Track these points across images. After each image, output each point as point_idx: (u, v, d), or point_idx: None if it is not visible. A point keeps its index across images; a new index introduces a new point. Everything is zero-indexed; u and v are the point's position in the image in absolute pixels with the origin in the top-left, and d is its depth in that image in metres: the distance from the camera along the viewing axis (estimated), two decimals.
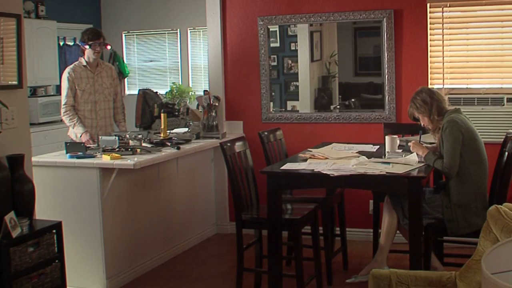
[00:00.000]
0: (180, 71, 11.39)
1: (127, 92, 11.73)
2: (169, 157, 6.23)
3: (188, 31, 11.23)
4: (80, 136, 6.50)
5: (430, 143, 5.45)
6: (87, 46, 6.66)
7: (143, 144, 6.21)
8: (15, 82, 4.61)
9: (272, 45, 7.39)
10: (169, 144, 6.36)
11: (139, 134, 6.43)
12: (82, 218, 5.68)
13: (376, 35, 6.93)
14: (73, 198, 5.71)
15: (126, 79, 11.76)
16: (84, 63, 6.72)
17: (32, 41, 9.33)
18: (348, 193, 6.52)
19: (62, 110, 6.62)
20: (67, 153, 5.87)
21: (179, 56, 11.36)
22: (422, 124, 5.37)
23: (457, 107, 5.39)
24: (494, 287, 2.21)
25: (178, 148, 6.26)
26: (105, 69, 6.90)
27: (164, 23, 11.34)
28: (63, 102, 6.62)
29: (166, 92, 8.71)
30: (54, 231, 4.51)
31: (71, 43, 10.84)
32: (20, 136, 4.68)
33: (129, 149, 5.92)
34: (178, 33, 11.33)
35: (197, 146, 6.67)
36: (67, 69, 6.69)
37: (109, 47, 7.02)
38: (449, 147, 4.98)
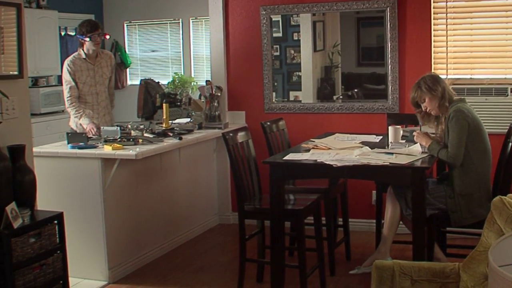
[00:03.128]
0: (182, 61, 11.37)
1: (129, 82, 11.72)
2: (171, 148, 6.21)
3: (190, 21, 11.20)
4: (86, 127, 6.44)
5: (433, 134, 5.41)
6: (87, 39, 6.59)
7: (145, 135, 6.20)
8: (15, 72, 4.59)
9: (274, 35, 7.36)
10: (171, 134, 6.34)
11: (141, 125, 6.43)
12: (83, 208, 5.67)
13: (379, 25, 6.90)
14: (75, 188, 5.70)
15: (128, 69, 11.74)
16: (84, 56, 6.67)
17: (33, 31, 9.30)
18: (351, 184, 6.49)
19: (68, 103, 6.58)
20: (68, 143, 5.85)
21: (181, 46, 11.34)
22: (424, 108, 5.24)
23: (462, 97, 5.35)
24: (502, 280, 2.19)
25: (180, 139, 6.25)
26: (105, 59, 6.87)
27: (166, 13, 11.31)
28: (67, 94, 6.57)
29: (168, 82, 8.65)
30: (55, 221, 4.51)
31: (73, 33, 10.79)
32: (21, 126, 4.66)
33: (131, 140, 5.90)
34: (180, 23, 11.30)
35: (199, 137, 6.65)
36: (67, 62, 6.65)
37: (108, 36, 7.04)
38: (455, 137, 4.94)
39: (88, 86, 6.65)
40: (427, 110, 5.22)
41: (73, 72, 6.57)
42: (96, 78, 6.72)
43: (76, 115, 6.54)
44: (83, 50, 6.67)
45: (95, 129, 6.36)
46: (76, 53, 6.72)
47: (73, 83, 6.56)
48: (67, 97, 6.57)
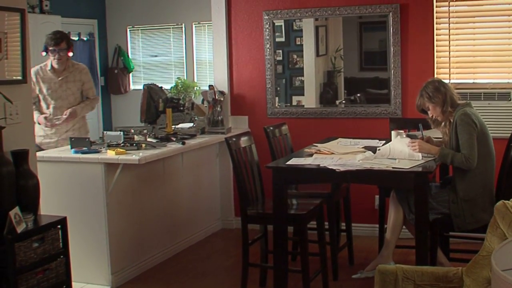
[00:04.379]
0: (185, 66, 11.36)
1: (132, 87, 11.72)
2: (174, 152, 6.21)
3: (193, 25, 11.20)
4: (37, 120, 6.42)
5: (436, 138, 5.40)
6: (46, 53, 6.49)
7: (148, 139, 6.21)
8: (19, 77, 4.60)
9: (277, 39, 7.38)
10: (174, 139, 6.35)
11: (144, 129, 6.44)
12: (87, 213, 5.68)
13: (382, 29, 6.91)
14: (78, 193, 5.71)
15: (130, 74, 11.76)
16: (50, 67, 6.53)
17: (36, 36, 9.29)
18: (354, 188, 6.48)
19: None
20: (71, 148, 5.86)
21: (184, 51, 11.34)
22: (431, 115, 5.26)
23: (468, 101, 5.34)
24: (505, 284, 2.20)
25: (183, 143, 6.25)
26: (74, 73, 6.69)
27: (169, 17, 11.32)
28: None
29: (171, 87, 8.68)
30: (59, 226, 4.50)
31: (76, 38, 10.82)
32: (24, 131, 4.66)
33: (134, 144, 5.91)
34: (183, 28, 11.30)
35: (202, 141, 6.66)
36: (36, 68, 6.49)
37: (71, 54, 6.63)
38: (468, 138, 4.91)
39: (48, 99, 6.55)
40: (432, 117, 5.24)
41: (38, 81, 6.48)
42: (58, 93, 6.59)
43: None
44: (49, 59, 6.54)
45: (42, 120, 6.45)
46: (43, 63, 6.57)
47: (36, 92, 6.47)
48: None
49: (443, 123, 5.24)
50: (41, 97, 6.52)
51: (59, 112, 6.58)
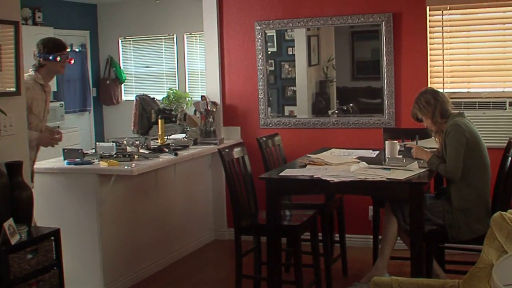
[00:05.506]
0: (177, 77, 11.38)
1: (124, 98, 11.74)
2: (167, 163, 6.22)
3: (185, 36, 11.23)
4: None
5: (430, 148, 5.43)
6: (58, 58, 5.51)
7: (141, 150, 6.21)
8: (13, 89, 4.59)
9: (269, 50, 7.39)
10: (166, 150, 6.36)
11: (136, 140, 6.43)
12: (80, 224, 5.68)
13: (374, 38, 6.93)
14: (71, 205, 5.70)
15: (122, 85, 11.77)
16: (41, 81, 5.53)
17: (29, 48, 9.26)
18: (348, 199, 6.50)
19: None
20: (65, 159, 5.86)
21: (176, 62, 11.36)
22: (425, 125, 5.34)
23: (461, 111, 5.37)
24: None
25: (176, 154, 6.25)
26: (48, 87, 5.72)
27: (161, 28, 11.35)
28: None
29: (163, 98, 8.69)
30: (52, 238, 4.50)
31: (68, 49, 10.82)
32: (18, 143, 4.65)
33: (127, 156, 5.91)
34: (175, 39, 11.33)
35: (195, 152, 6.66)
36: (29, 80, 5.37)
37: (73, 61, 5.86)
38: (453, 151, 4.96)
39: (38, 120, 5.50)
40: (426, 126, 5.29)
41: (30, 97, 5.30)
42: (46, 109, 5.62)
43: None
44: (39, 73, 5.52)
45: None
46: (31, 75, 5.49)
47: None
48: None
49: (436, 132, 5.29)
50: (31, 117, 5.35)
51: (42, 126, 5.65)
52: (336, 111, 7.20)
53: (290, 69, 7.37)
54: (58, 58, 5.52)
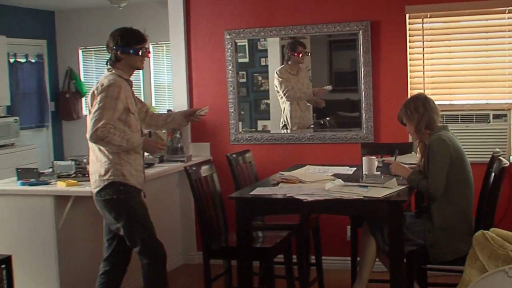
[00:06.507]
0: (142, 89, 11.35)
1: (84, 112, 11.67)
2: None
3: (150, 46, 11.21)
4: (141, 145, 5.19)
5: (410, 164, 5.46)
6: (140, 52, 5.29)
7: None
8: None
9: (240, 60, 7.40)
10: None
11: None
12: (35, 251, 5.64)
13: (352, 48, 6.94)
14: (25, 229, 5.66)
15: (83, 99, 11.70)
16: (126, 76, 5.29)
17: None
18: (324, 219, 6.52)
19: (101, 129, 4.90)
20: (18, 179, 5.83)
21: (141, 74, 11.32)
22: (408, 131, 5.39)
23: (445, 124, 5.41)
24: None
25: None
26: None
27: None
28: (102, 121, 4.92)
29: None
30: (3, 266, 4.47)
31: (23, 60, 10.79)
32: None
33: (87, 175, 5.88)
34: None
35: (161, 171, 6.66)
36: (116, 78, 5.17)
37: (150, 55, 5.72)
38: (435, 167, 4.98)
39: (135, 119, 5.25)
40: (408, 132, 5.33)
41: (124, 96, 5.10)
42: (137, 107, 5.41)
43: (117, 139, 4.96)
44: (117, 68, 5.30)
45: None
46: (113, 74, 5.24)
47: (119, 109, 5.05)
48: (101, 124, 4.93)
49: (418, 141, 5.35)
50: (131, 118, 5.18)
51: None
52: (312, 126, 7.23)
53: (263, 81, 7.39)
54: (140, 52, 5.29)
